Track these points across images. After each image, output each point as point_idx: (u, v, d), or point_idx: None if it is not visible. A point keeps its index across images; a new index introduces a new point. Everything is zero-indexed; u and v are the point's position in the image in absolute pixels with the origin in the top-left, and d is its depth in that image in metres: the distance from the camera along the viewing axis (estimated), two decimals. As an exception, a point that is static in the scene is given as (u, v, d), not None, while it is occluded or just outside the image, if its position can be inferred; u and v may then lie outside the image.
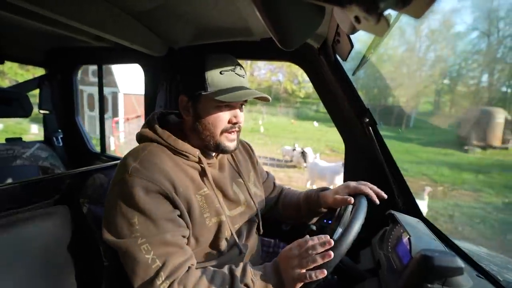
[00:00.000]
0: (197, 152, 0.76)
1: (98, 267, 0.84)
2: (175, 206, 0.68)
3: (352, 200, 0.79)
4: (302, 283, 0.62)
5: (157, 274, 0.61)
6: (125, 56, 1.57)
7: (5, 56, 1.58)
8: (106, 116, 2.02)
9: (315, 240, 0.63)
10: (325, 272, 0.60)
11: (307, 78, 1.23)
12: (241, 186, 0.88)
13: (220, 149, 0.77)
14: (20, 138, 1.72)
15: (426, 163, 8.36)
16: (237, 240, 0.79)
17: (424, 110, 21.41)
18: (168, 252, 0.63)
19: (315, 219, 1.00)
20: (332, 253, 0.60)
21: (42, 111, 1.84)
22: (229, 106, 0.74)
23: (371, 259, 0.83)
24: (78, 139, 1.94)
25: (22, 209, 0.83)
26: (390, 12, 0.31)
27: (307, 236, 0.66)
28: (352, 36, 0.74)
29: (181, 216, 0.70)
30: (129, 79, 9.87)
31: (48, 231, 0.81)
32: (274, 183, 1.09)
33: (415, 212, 0.98)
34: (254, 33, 1.09)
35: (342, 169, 1.18)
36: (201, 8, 0.93)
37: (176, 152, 0.74)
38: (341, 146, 1.16)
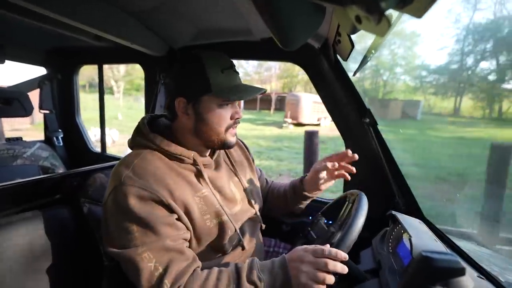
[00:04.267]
0: (192, 154, 0.75)
1: (98, 267, 0.84)
2: (172, 211, 0.67)
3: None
4: None
5: (161, 281, 0.60)
6: (125, 56, 1.56)
7: (6, 55, 1.58)
8: None
9: (332, 254, 0.62)
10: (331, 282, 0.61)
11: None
12: (237, 184, 0.88)
13: (225, 146, 0.78)
14: (21, 138, 1.72)
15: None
16: (241, 238, 0.79)
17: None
18: (170, 258, 0.62)
19: (300, 206, 1.02)
20: (345, 270, 0.61)
21: (42, 111, 1.84)
22: (231, 103, 0.75)
23: (372, 260, 0.83)
24: (78, 139, 1.94)
25: (22, 209, 0.83)
26: (391, 12, 0.31)
27: (326, 246, 0.63)
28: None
29: (179, 219, 0.68)
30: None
31: (48, 230, 0.81)
32: (266, 179, 1.11)
33: (416, 212, 0.98)
34: (254, 33, 1.08)
35: None
36: (201, 8, 0.93)
37: (170, 156, 0.73)
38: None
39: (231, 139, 0.78)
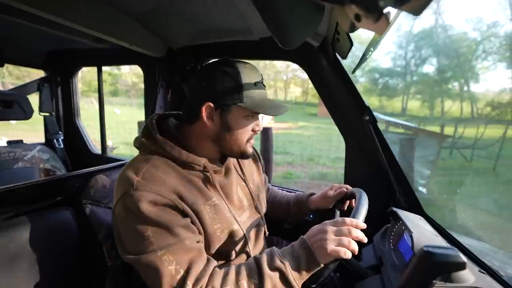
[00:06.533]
0: (202, 161, 0.72)
1: (101, 267, 0.85)
2: (185, 215, 0.66)
3: (345, 189, 0.92)
4: (334, 258, 0.61)
5: (183, 283, 0.59)
6: (125, 57, 1.57)
7: (5, 58, 1.58)
8: None
9: (353, 223, 0.64)
10: (356, 252, 0.62)
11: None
12: (244, 190, 0.87)
13: (243, 156, 0.78)
14: (21, 141, 1.73)
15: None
16: (247, 245, 0.79)
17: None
18: (191, 258, 0.61)
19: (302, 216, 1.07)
20: (365, 239, 0.63)
21: (42, 113, 1.84)
22: (255, 116, 0.75)
23: (373, 256, 0.84)
24: (78, 141, 1.94)
25: (25, 211, 0.83)
26: (390, 10, 0.32)
27: (344, 218, 0.67)
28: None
29: (192, 223, 0.67)
30: None
31: (51, 232, 0.81)
32: (268, 186, 1.13)
33: (417, 209, 0.99)
34: (253, 32, 1.09)
35: None
36: (200, 8, 0.93)
37: (181, 163, 0.71)
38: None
39: (249, 149, 0.78)
